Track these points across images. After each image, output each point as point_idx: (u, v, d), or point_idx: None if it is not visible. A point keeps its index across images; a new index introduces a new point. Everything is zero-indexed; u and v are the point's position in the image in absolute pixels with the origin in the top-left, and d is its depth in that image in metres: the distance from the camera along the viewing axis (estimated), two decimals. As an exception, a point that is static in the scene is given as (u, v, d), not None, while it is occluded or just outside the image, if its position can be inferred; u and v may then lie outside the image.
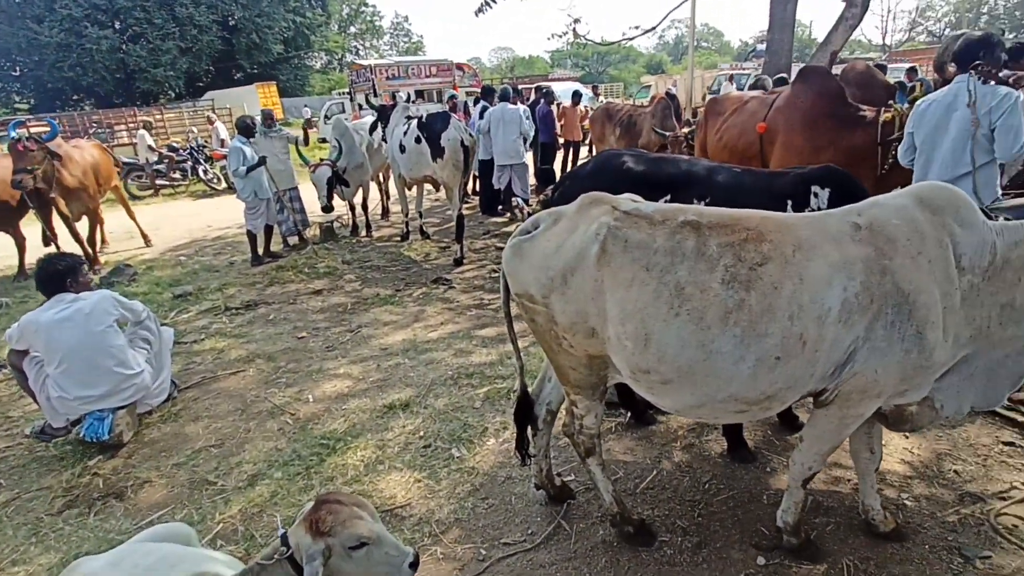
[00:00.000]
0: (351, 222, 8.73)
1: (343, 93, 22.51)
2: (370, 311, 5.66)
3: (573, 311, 2.10)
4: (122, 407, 3.65)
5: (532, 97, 10.90)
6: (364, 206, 8.70)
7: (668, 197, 2.68)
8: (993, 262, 1.89)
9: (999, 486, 2.67)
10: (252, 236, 7.29)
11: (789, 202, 2.56)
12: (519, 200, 8.25)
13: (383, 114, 7.65)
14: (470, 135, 6.79)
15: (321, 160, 7.82)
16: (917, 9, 40.09)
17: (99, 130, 16.97)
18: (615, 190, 2.39)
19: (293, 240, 8.03)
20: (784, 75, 8.68)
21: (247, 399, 4.06)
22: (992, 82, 3.35)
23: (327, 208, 7.65)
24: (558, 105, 12.14)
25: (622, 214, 2.08)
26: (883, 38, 35.33)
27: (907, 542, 2.39)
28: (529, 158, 9.22)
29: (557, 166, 10.84)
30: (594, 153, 11.15)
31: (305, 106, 32.90)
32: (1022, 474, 2.74)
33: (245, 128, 7.09)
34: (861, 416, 2.06)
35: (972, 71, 3.27)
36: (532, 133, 8.37)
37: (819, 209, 2.52)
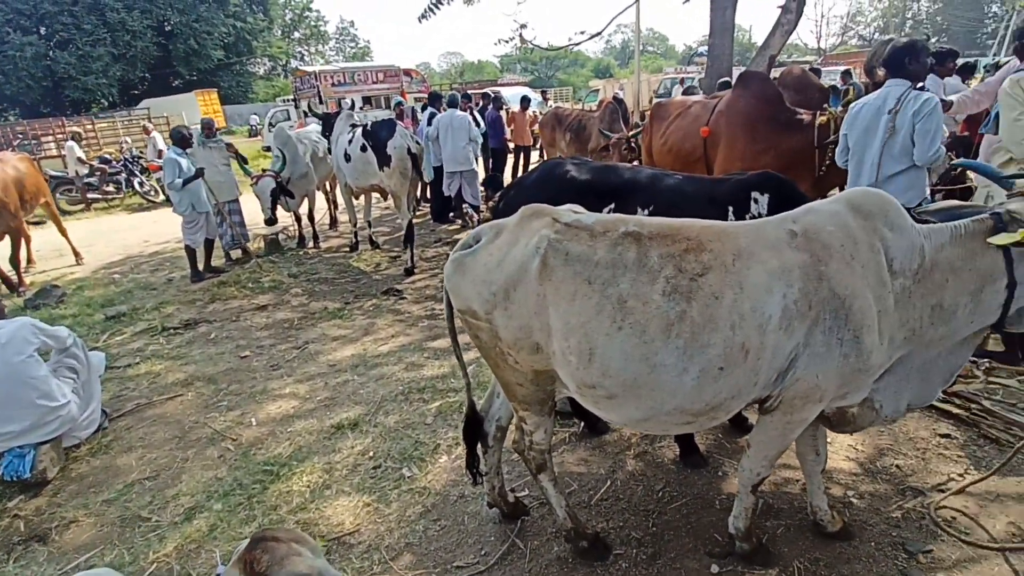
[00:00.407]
0: (297, 233, 8.48)
1: (288, 100, 21.95)
2: (318, 326, 5.49)
3: (516, 327, 2.05)
4: (46, 442, 3.40)
5: (480, 103, 10.85)
6: (310, 217, 8.46)
7: (612, 206, 2.67)
8: (923, 265, 1.93)
9: (937, 478, 2.75)
10: (191, 251, 6.98)
11: (730, 208, 2.58)
12: (469, 207, 8.18)
13: (327, 122, 7.46)
14: (417, 142, 6.69)
15: (264, 171, 7.55)
16: (848, 14, 42.18)
17: (24, 142, 16.02)
18: (560, 200, 2.35)
19: (236, 254, 7.74)
20: (727, 79, 8.90)
21: (185, 425, 3.85)
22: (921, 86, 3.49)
23: (271, 220, 7.40)
24: (507, 110, 12.15)
25: (563, 226, 2.03)
26: (818, 42, 36.87)
27: (854, 540, 2.43)
28: (480, 164, 9.18)
29: (508, 171, 10.83)
30: (545, 157, 11.20)
31: (254, 114, 31.97)
32: (958, 465, 2.84)
33: (181, 139, 6.79)
34: (805, 421, 2.07)
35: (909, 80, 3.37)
36: (481, 139, 8.32)
37: (759, 215, 2.55)
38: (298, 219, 8.44)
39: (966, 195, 4.34)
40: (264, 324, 5.58)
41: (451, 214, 9.06)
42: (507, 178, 11.77)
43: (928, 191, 3.62)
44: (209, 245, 7.19)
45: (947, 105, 3.87)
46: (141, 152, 14.11)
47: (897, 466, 2.87)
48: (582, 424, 3.36)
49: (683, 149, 5.55)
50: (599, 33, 11.24)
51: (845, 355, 1.90)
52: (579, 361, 1.94)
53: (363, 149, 6.60)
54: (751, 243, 1.95)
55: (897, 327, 1.97)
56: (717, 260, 1.91)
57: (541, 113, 12.02)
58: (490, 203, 5.10)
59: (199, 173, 6.66)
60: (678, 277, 1.89)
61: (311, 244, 8.38)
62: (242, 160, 7.44)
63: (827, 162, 4.59)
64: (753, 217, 2.56)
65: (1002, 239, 1.82)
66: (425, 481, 3.05)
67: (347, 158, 6.86)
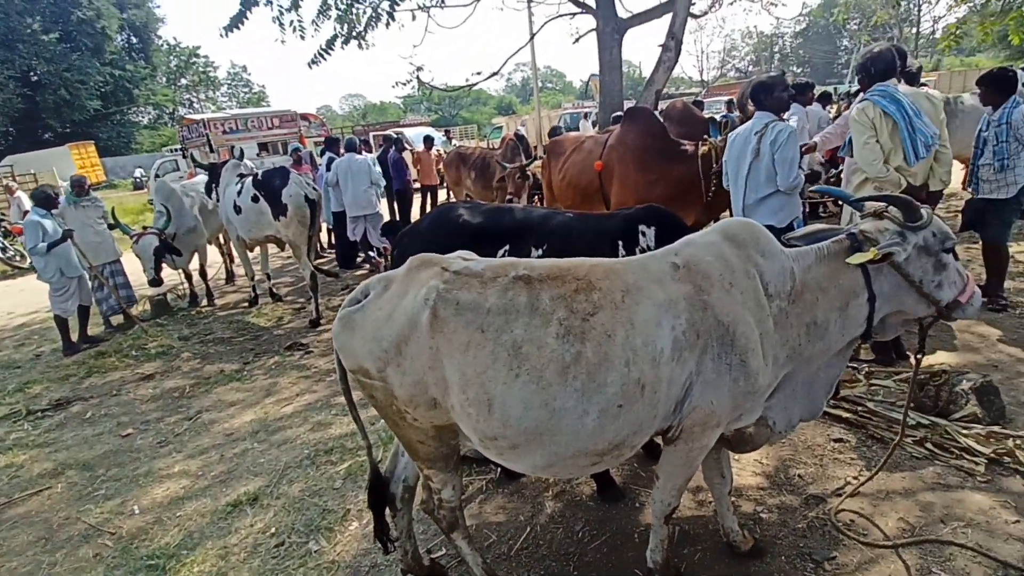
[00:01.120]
0: (189, 292, 7.92)
1: (176, 150, 20.82)
2: (212, 392, 5.08)
3: (411, 383, 1.95)
4: None
5: (382, 145, 10.75)
6: (203, 272, 7.93)
7: (507, 248, 2.66)
8: (794, 286, 2.04)
9: (835, 483, 2.89)
10: (62, 321, 6.31)
11: (620, 242, 2.64)
12: (374, 253, 8.01)
13: (213, 173, 7.09)
14: (314, 188, 6.47)
15: (145, 228, 7.02)
16: (724, 50, 46.28)
17: None
18: (454, 245, 2.30)
19: (117, 320, 7.08)
20: (619, 113, 9.39)
21: (53, 524, 3.38)
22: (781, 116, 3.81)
23: (155, 281, 6.85)
24: (412, 151, 12.13)
25: (452, 275, 1.98)
26: (701, 75, 39.96)
27: (766, 556, 2.48)
28: (385, 206, 9.04)
29: (416, 212, 10.75)
30: (451, 197, 11.23)
31: (138, 167, 29.98)
32: (852, 468, 2.99)
33: (44, 199, 6.19)
34: (706, 447, 2.10)
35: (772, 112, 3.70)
36: (383, 182, 8.22)
37: (648, 247, 2.63)
38: (188, 277, 7.89)
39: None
40: (150, 396, 5.10)
41: (358, 259, 8.82)
42: (415, 219, 11.69)
43: (801, 212, 3.92)
44: (84, 313, 6.54)
45: (812, 147, 4.33)
46: (3, 214, 12.79)
47: (799, 475, 2.98)
48: (498, 469, 3.26)
49: (580, 183, 5.72)
50: (495, 73, 11.58)
51: (735, 379, 1.95)
52: (478, 413, 1.86)
53: (255, 200, 6.30)
54: (638, 278, 1.98)
55: (779, 347, 2.05)
56: (607, 298, 1.92)
57: (446, 152, 12.10)
58: (390, 250, 4.98)
59: (66, 235, 6.07)
60: (570, 318, 1.87)
61: (205, 302, 7.84)
62: (114, 225, 6.88)
63: (713, 188, 4.88)
64: (642, 250, 2.63)
65: (857, 259, 1.95)
66: (334, 554, 2.83)
67: (237, 210, 6.51)
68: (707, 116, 5.91)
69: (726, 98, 15.28)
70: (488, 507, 3.02)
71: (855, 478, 2.84)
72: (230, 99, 49.89)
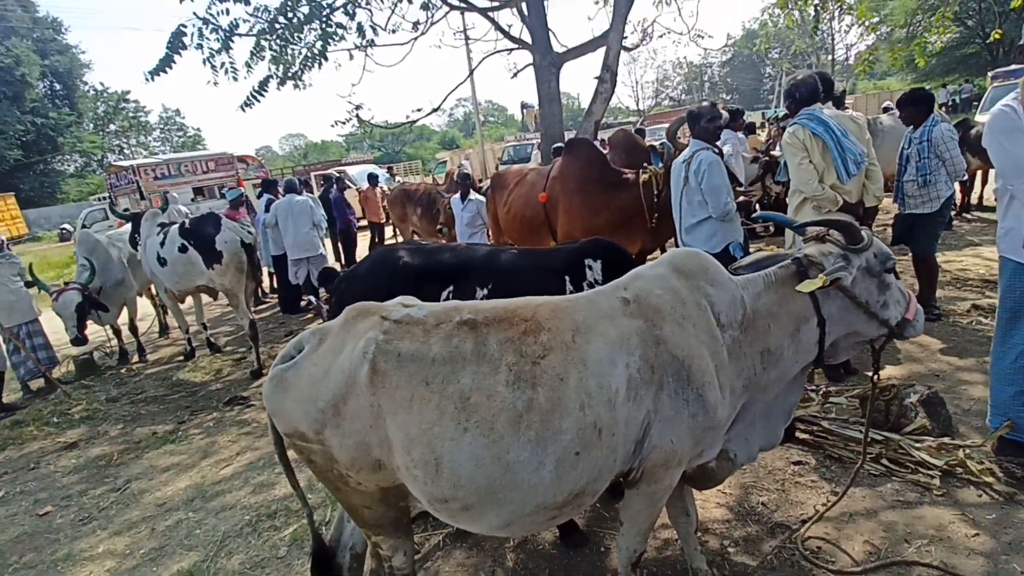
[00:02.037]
0: (118, 348, 7.41)
1: (103, 198, 19.91)
2: (143, 457, 4.69)
3: (352, 445, 1.79)
4: None
5: (323, 185, 10.54)
6: (133, 327, 7.46)
7: (451, 289, 2.55)
8: (746, 315, 2.00)
9: (799, 509, 2.85)
10: (-28, 390, 5.76)
11: (567, 277, 2.57)
12: (314, 299, 7.73)
13: (136, 223, 6.72)
14: (249, 232, 6.21)
15: (66, 284, 6.55)
16: (658, 80, 48.47)
17: None
18: (394, 289, 2.18)
19: (37, 384, 6.54)
20: (560, 144, 9.52)
21: (-48, 628, 2.98)
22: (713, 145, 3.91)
23: (78, 340, 6.36)
24: (357, 190, 11.93)
25: (392, 324, 1.85)
26: (637, 105, 41.48)
27: (738, 594, 2.39)
28: (330, 246, 8.80)
29: (364, 249, 10.52)
30: (398, 234, 11.06)
31: (67, 220, 28.42)
32: (813, 491, 2.97)
33: (-51, 258, 5.70)
34: (670, 487, 2.02)
35: (703, 140, 3.80)
36: (325, 223, 8.01)
37: (596, 281, 2.57)
38: (117, 332, 7.39)
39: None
40: (73, 467, 4.66)
41: (302, 302, 8.50)
42: (360, 258, 11.45)
43: (740, 237, 3.99)
44: (-1, 378, 6.01)
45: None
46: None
47: (763, 503, 2.93)
48: (456, 522, 3.08)
49: (526, 216, 5.70)
50: (436, 109, 11.57)
51: (693, 415, 1.88)
52: (426, 474, 1.72)
53: (183, 250, 5.98)
54: (588, 316, 1.90)
55: (735, 377, 2.00)
56: (557, 339, 1.83)
57: (390, 189, 11.96)
58: (329, 299, 4.77)
59: (-24, 296, 5.60)
60: (520, 363, 1.77)
61: (136, 358, 7.36)
62: (32, 282, 6.41)
63: (656, 215, 4.93)
64: (590, 283, 2.57)
65: (806, 286, 1.93)
66: (279, 634, 2.58)
67: (161, 262, 6.16)
68: (648, 144, 6.01)
69: (666, 126, 15.77)
70: (447, 565, 2.83)
71: (823, 504, 2.80)
72: (163, 144, 48.36)
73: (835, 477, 3.04)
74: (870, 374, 2.32)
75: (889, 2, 15.44)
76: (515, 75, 11.73)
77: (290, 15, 8.42)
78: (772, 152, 7.57)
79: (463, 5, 10.66)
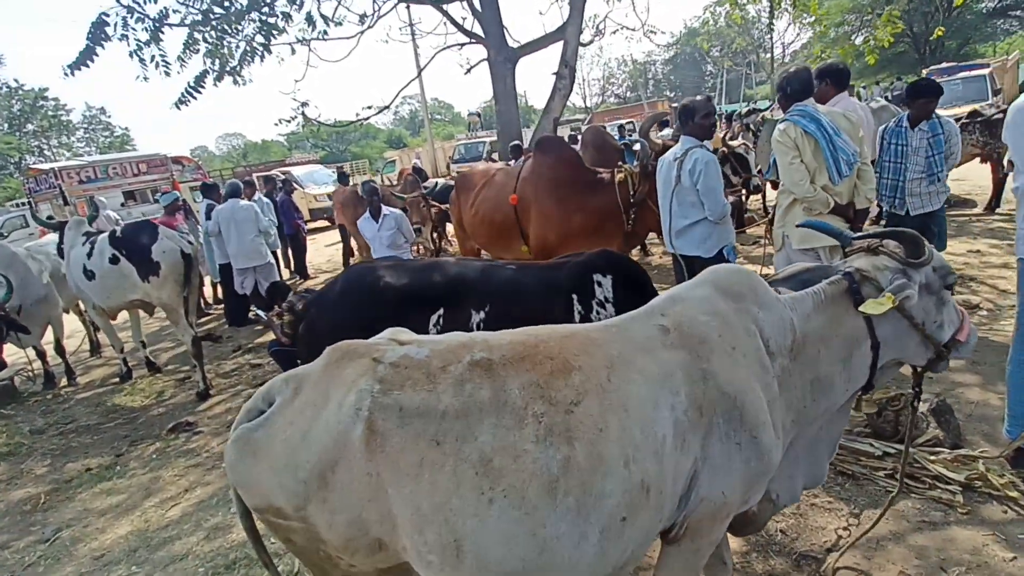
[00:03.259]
0: (43, 372, 6.65)
1: (22, 204, 18.32)
2: (76, 499, 4.12)
3: (345, 523, 1.44)
4: None
5: (267, 188, 9.88)
6: (59, 347, 6.70)
7: (440, 313, 2.20)
8: (795, 340, 1.75)
9: (820, 536, 2.65)
10: None
11: (574, 296, 2.27)
12: (261, 312, 7.14)
13: (61, 232, 6.03)
14: (190, 242, 5.64)
15: (-24, 304, 5.79)
16: (604, 77, 48.97)
17: None
18: (375, 316, 1.84)
19: (-55, 418, 5.75)
20: (517, 142, 9.24)
21: None
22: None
23: (-7, 366, 5.64)
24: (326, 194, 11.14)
25: (388, 369, 1.49)
26: (584, 102, 41.73)
27: (774, 642, 2.15)
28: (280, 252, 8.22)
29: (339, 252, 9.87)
30: (350, 239, 10.49)
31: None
32: (832, 514, 2.77)
33: None
34: (715, 542, 1.75)
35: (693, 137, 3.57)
36: (273, 228, 7.45)
37: (605, 299, 2.27)
38: (41, 355, 6.62)
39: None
40: (-12, 517, 4.04)
41: (250, 314, 7.89)
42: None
43: (732, 240, 3.80)
44: None
45: None
46: None
47: (782, 531, 2.72)
48: None
49: (495, 219, 5.38)
50: (386, 107, 11.11)
51: (746, 460, 1.61)
52: (444, 560, 1.38)
53: (113, 261, 5.36)
54: (623, 349, 1.60)
55: (785, 412, 1.74)
56: (591, 380, 1.52)
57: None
58: (274, 315, 4.29)
59: None
60: (550, 412, 1.45)
61: (64, 382, 6.62)
62: None
63: (633, 216, 4.71)
64: (599, 302, 2.27)
65: (873, 307, 1.68)
66: None
67: (89, 275, 5.52)
68: (622, 143, 5.79)
69: (619, 122, 15.74)
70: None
71: (844, 528, 2.60)
72: (88, 144, 45.27)
73: (851, 497, 2.86)
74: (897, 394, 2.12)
75: (826, 1, 15.97)
76: (468, 71, 11.39)
77: (227, 4, 7.78)
78: (730, 143, 7.46)
79: (414, -3, 10.24)
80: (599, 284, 2.27)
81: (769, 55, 33.82)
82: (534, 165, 5.20)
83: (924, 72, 16.67)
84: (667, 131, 8.01)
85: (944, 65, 16.40)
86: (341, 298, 2.27)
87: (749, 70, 39.22)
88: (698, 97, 3.70)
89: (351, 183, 10.28)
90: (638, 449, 1.47)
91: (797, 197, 3.63)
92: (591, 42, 11.63)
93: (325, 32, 8.31)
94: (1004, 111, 7.77)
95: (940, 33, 13.28)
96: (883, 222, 4.93)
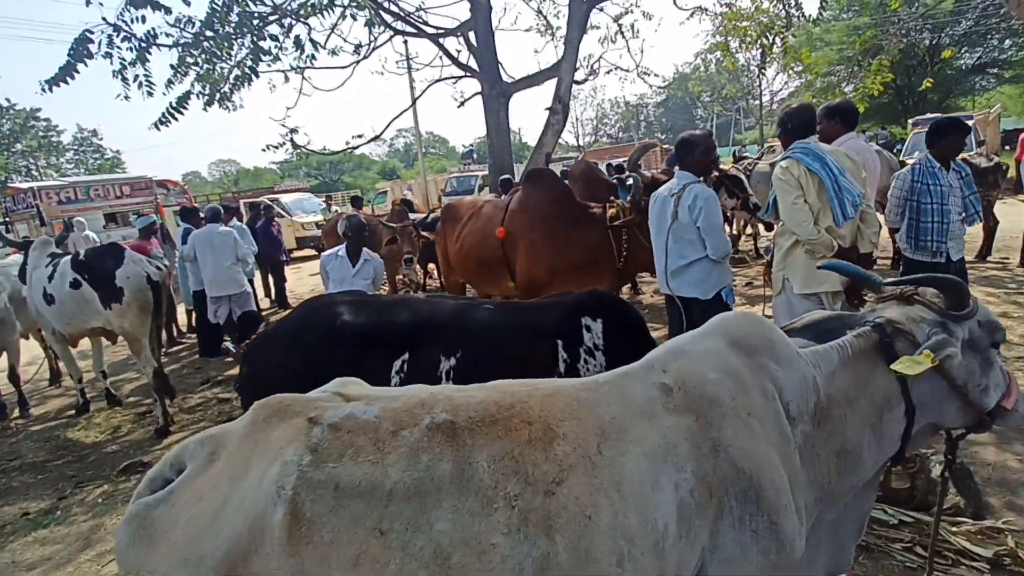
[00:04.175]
0: (-7, 402, 6.22)
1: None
2: (7, 548, 3.71)
3: (259, 632, 1.12)
4: None
5: (250, 214, 9.64)
6: (13, 377, 6.28)
7: (405, 358, 1.90)
8: (819, 402, 1.48)
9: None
10: None
11: (560, 342, 1.99)
12: (230, 344, 6.80)
13: (27, 253, 5.70)
14: (158, 267, 5.34)
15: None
16: (597, 117, 49.85)
17: None
18: (330, 360, 1.54)
19: None
20: (507, 176, 9.09)
21: None
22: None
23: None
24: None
25: (325, 432, 1.20)
26: (577, 140, 42.30)
27: None
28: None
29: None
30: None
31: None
32: None
33: None
34: (724, 647, 1.44)
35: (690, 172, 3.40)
36: (252, 256, 7.17)
37: (596, 346, 1.99)
38: (-9, 383, 6.21)
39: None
40: (-99, 570, 3.61)
41: (223, 345, 7.53)
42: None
43: (731, 279, 3.57)
44: None
45: None
46: None
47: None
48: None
49: (481, 253, 5.14)
50: (377, 137, 10.98)
51: (765, 552, 1.33)
52: None
53: (75, 285, 5.03)
54: (617, 412, 1.32)
55: (807, 489, 1.46)
56: (577, 451, 1.24)
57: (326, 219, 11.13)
58: (241, 348, 3.95)
59: None
60: (527, 494, 1.16)
61: (16, 413, 6.18)
62: None
63: (625, 254, 4.51)
64: (588, 349, 1.99)
65: (909, 366, 1.42)
66: None
67: (48, 299, 5.18)
68: (615, 178, 5.62)
69: (608, 162, 15.77)
70: None
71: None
72: (77, 166, 44.92)
73: (866, 572, 2.55)
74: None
75: (814, 52, 16.44)
76: (461, 104, 11.33)
77: (218, 27, 7.64)
78: (721, 167, 7.27)
79: (410, 30, 10.20)
80: (588, 328, 1.99)
81: (758, 102, 34.59)
82: (523, 198, 4.99)
83: (910, 121, 16.96)
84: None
85: (929, 116, 16.69)
86: (291, 337, 1.95)
87: (738, 115, 40.05)
88: (698, 131, 3.52)
89: (344, 212, 10.11)
90: (634, 543, 1.18)
91: (800, 239, 3.41)
92: (585, 80, 11.64)
93: (313, 57, 8.17)
94: (994, 161, 7.81)
95: (929, 84, 13.56)
96: (899, 270, 4.65)
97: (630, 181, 4.61)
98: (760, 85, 32.19)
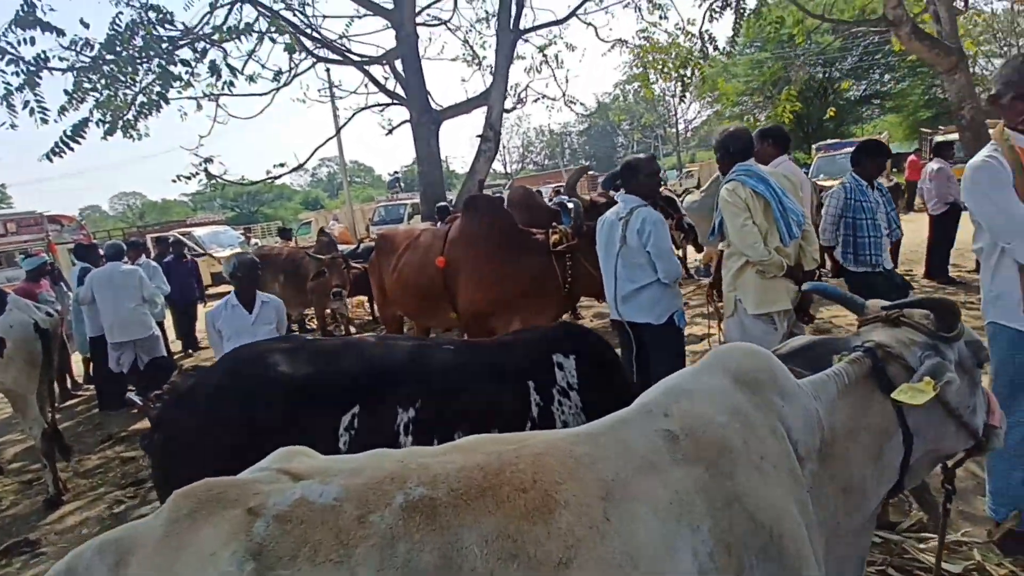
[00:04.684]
0: None
1: None
2: None
3: None
4: None
5: (156, 250, 8.91)
6: None
7: (355, 412, 1.62)
8: (823, 437, 1.37)
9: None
10: None
11: (531, 383, 1.78)
12: (135, 395, 6.15)
13: None
14: (49, 313, 4.72)
15: None
16: (523, 145, 50.96)
17: None
18: (262, 421, 1.26)
19: None
20: (444, 203, 8.91)
21: None
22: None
23: None
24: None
25: (271, 527, 0.94)
26: (504, 168, 42.94)
27: None
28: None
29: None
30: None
31: None
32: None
33: None
34: None
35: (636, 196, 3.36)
36: (161, 297, 6.56)
37: (570, 385, 1.81)
38: None
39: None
40: None
41: (127, 395, 6.78)
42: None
43: (681, 304, 3.54)
44: None
45: None
46: None
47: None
48: None
49: (420, 284, 4.90)
50: (301, 166, 10.51)
51: (789, 613, 1.17)
52: None
53: (-55, 337, 4.35)
54: (619, 468, 1.14)
55: (819, 532, 1.33)
56: (583, 521, 1.04)
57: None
58: (161, 396, 3.52)
59: None
60: (529, 581, 0.95)
61: None
62: None
63: (569, 279, 4.43)
64: (562, 390, 1.80)
65: (911, 395, 1.33)
66: None
67: (-87, 355, 4.45)
68: (557, 203, 5.56)
69: (551, 186, 15.97)
70: None
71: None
72: (-42, 201, 40.78)
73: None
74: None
75: (725, 83, 17.58)
76: (390, 132, 11.09)
77: (120, 50, 7.07)
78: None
79: (334, 57, 9.90)
80: (560, 366, 1.80)
81: (675, 129, 36.44)
82: (463, 225, 4.81)
83: (814, 147, 18.27)
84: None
85: (830, 141, 18.09)
86: (219, 395, 1.60)
87: (657, 143, 41.99)
88: (642, 155, 3.49)
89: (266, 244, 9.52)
90: (656, 625, 0.99)
91: (751, 260, 3.41)
92: (514, 108, 11.71)
93: (231, 84, 7.71)
94: (893, 182, 8.48)
95: (833, 113, 14.71)
96: (831, 279, 4.79)
97: (571, 205, 4.55)
98: (676, 114, 33.98)
